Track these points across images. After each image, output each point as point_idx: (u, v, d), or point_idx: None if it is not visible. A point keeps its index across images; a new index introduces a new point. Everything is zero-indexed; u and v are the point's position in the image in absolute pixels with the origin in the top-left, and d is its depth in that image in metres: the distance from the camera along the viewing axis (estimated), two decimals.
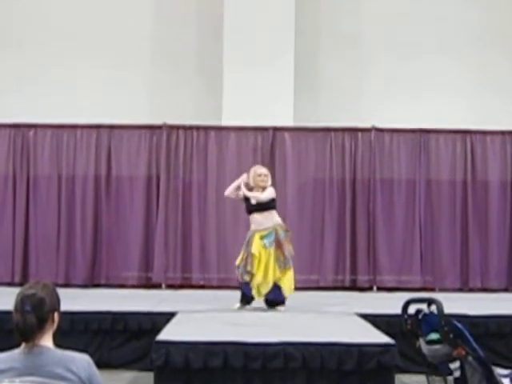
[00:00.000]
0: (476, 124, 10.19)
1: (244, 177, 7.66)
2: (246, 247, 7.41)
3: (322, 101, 10.61)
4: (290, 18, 10.09)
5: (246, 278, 7.33)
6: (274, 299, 7.42)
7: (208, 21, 10.56)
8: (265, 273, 7.29)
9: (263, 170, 7.63)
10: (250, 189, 7.57)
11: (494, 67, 10.72)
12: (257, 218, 7.42)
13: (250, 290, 7.38)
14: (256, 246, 7.31)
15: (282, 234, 7.40)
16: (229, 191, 7.75)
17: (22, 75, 10.50)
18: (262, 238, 7.34)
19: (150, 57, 10.68)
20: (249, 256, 7.33)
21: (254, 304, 7.52)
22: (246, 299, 7.49)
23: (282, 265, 7.32)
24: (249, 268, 7.29)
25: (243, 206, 7.75)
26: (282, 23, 10.05)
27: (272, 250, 7.31)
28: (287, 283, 7.40)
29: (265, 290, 7.35)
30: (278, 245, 7.35)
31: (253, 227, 7.45)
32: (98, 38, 10.54)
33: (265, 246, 7.31)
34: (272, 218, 7.43)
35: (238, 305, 7.52)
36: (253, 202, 7.47)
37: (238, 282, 7.61)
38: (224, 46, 10.06)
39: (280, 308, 7.43)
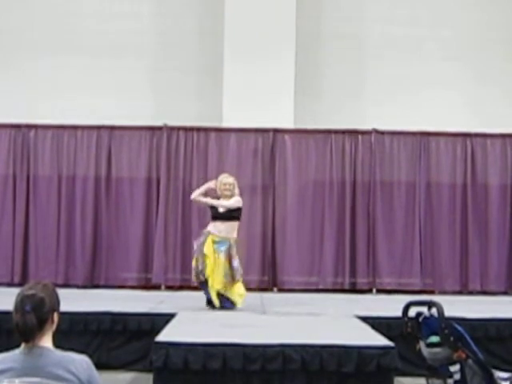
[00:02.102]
0: (477, 127, 10.19)
1: (212, 183, 7.70)
2: (199, 248, 7.43)
3: (323, 103, 10.61)
4: (291, 20, 10.10)
5: (202, 277, 7.35)
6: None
7: (209, 23, 10.56)
8: (211, 278, 7.33)
9: (229, 180, 7.63)
10: (218, 197, 7.61)
11: (495, 70, 10.72)
12: (219, 225, 7.44)
13: (208, 291, 7.38)
14: (208, 248, 7.36)
15: (234, 248, 7.42)
16: (196, 196, 7.74)
17: (22, 76, 10.49)
18: (214, 242, 7.39)
19: (151, 58, 10.67)
20: (200, 256, 7.36)
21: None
22: (209, 302, 7.49)
23: (230, 278, 7.35)
24: (200, 267, 7.32)
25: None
26: (282, 25, 10.06)
27: (222, 260, 7.34)
28: (236, 294, 7.43)
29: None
30: (229, 257, 7.37)
31: (209, 229, 7.47)
32: (99, 38, 10.53)
33: (215, 251, 7.35)
34: (232, 230, 7.46)
35: (207, 307, 7.54)
36: (220, 210, 7.50)
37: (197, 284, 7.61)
38: (225, 48, 10.06)
39: None
